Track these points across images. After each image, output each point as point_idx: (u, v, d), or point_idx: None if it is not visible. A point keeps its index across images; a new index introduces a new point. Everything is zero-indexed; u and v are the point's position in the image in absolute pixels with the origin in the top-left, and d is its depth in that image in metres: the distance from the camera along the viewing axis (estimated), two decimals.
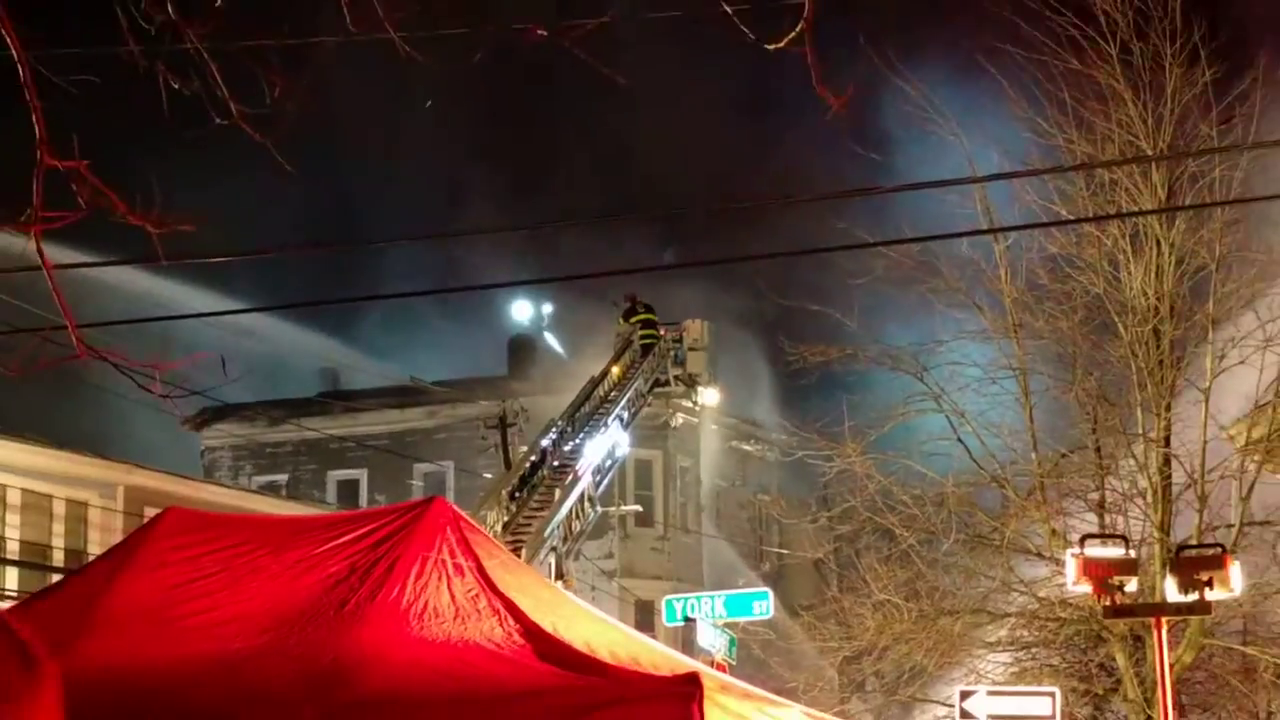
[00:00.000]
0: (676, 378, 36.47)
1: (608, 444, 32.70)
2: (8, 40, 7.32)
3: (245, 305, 34.66)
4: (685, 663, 10.88)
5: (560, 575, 27.76)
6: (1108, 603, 16.79)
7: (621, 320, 35.70)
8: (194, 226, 8.42)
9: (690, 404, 41.25)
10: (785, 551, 36.51)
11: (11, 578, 35.09)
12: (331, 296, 60.72)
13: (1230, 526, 23.75)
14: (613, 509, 42.45)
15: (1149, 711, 22.68)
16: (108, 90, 8.32)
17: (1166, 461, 24.35)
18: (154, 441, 46.51)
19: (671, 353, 35.80)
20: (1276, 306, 23.98)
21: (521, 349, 55.10)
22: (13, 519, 37.18)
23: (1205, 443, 24.33)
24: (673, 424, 47.67)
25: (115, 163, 7.91)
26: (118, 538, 25.05)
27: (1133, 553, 17.66)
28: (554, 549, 29.87)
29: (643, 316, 35.23)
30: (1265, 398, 24.40)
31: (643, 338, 34.99)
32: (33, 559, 36.18)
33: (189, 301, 31.01)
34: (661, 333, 35.48)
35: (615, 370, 34.33)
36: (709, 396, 40.93)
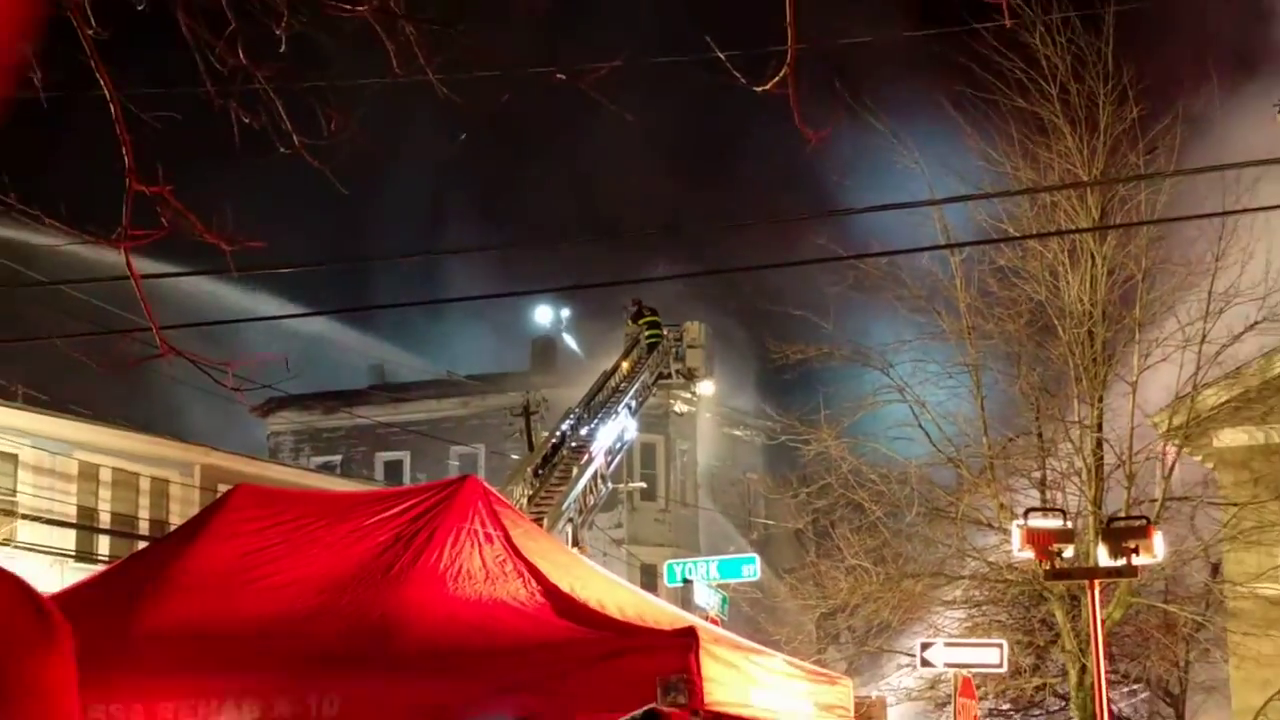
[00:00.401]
0: (677, 371, 36.41)
1: (618, 429, 32.74)
2: (102, 83, 7.32)
3: (305, 310, 34.67)
4: (684, 618, 10.88)
5: (576, 542, 27.79)
6: (1048, 567, 16.76)
7: (630, 322, 35.66)
8: (262, 243, 8.44)
9: (689, 395, 41.31)
10: (770, 522, 36.56)
11: (104, 544, 35.17)
12: (378, 302, 60.89)
13: (1154, 501, 23.78)
14: (621, 485, 42.47)
15: (1084, 661, 22.68)
16: (187, 124, 8.32)
17: (1099, 445, 24.38)
18: (222, 426, 46.58)
19: (673, 350, 35.77)
20: (1194, 312, 24.03)
21: (543, 348, 55.19)
22: (104, 494, 37.27)
23: (1133, 429, 24.40)
24: (674, 412, 47.65)
25: (193, 187, 7.93)
26: (195, 510, 25.08)
27: (1070, 524, 17.66)
28: (571, 520, 29.92)
29: (648, 319, 35.21)
30: (1184, 390, 24.47)
31: (648, 337, 35.00)
32: (122, 528, 36.25)
33: (257, 306, 31.08)
34: (664, 333, 35.47)
35: (624, 365, 34.36)
36: (705, 388, 40.93)
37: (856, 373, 26.92)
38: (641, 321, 35.14)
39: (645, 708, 3.49)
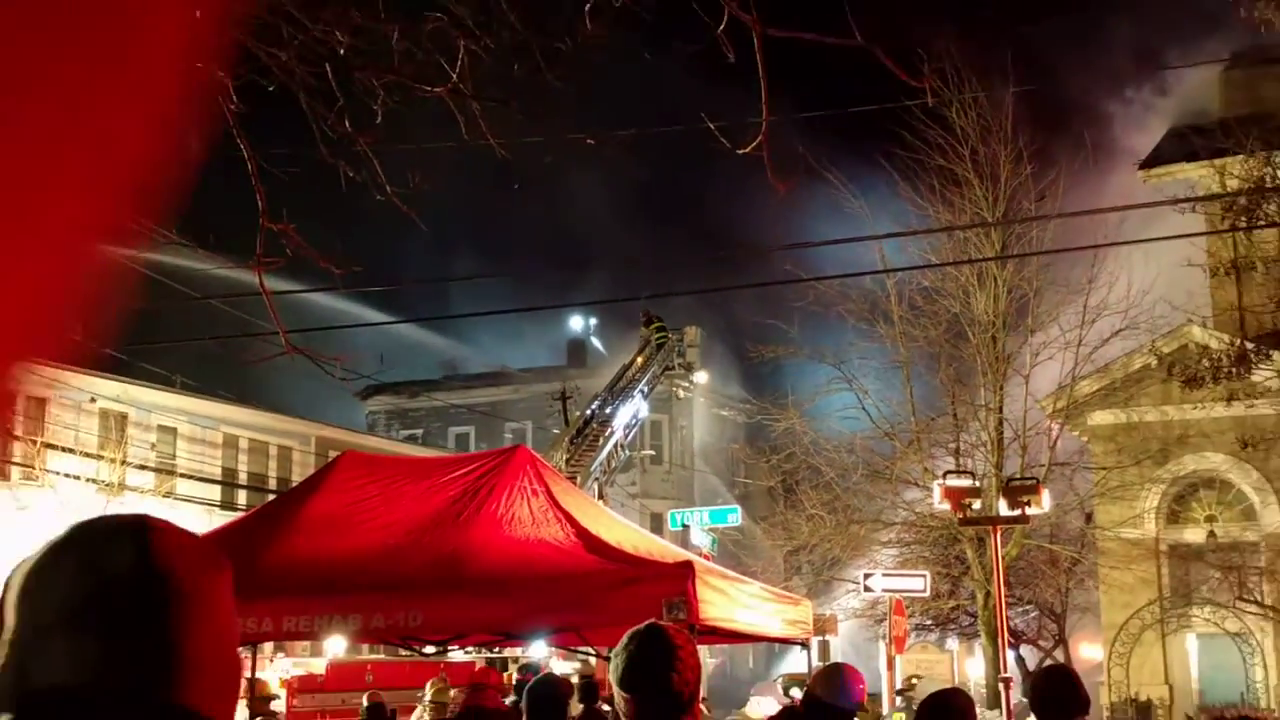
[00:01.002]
0: (679, 365, 36.45)
1: (633, 409, 32.80)
2: (241, 146, 7.36)
3: (395, 318, 34.70)
4: (683, 554, 10.90)
5: (601, 496, 27.83)
6: (961, 516, 16.76)
7: (644, 327, 35.66)
8: (361, 267, 8.49)
9: (687, 383, 41.26)
10: (749, 481, 36.46)
11: (241, 497, 35.30)
12: (451, 312, 60.98)
13: (1042, 466, 23.78)
14: (636, 452, 42.46)
15: (988, 587, 22.65)
16: (306, 177, 8.35)
17: (1000, 423, 24.38)
18: (330, 406, 46.66)
19: (676, 349, 35.77)
20: (1073, 321, 24.13)
21: (575, 347, 55.16)
22: (242, 458, 37.43)
23: (1026, 411, 24.44)
24: (676, 396, 47.61)
25: (310, 224, 7.97)
26: (311, 471, 25.18)
27: (977, 483, 17.65)
28: (597, 479, 30.00)
29: (657, 324, 35.20)
30: (1065, 381, 24.54)
31: (657, 339, 34.99)
32: (255, 485, 36.39)
33: (359, 314, 31.09)
34: (669, 335, 35.46)
35: (639, 360, 34.38)
36: (700, 378, 40.99)
37: (814, 368, 26.94)
38: (651, 327, 35.15)
39: (648, 621, 3.47)
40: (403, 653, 13.38)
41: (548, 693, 6.17)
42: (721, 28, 5.83)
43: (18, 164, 1.32)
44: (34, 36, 1.33)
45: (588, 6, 6.37)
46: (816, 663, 14.87)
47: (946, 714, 5.57)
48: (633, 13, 6.39)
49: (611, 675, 3.47)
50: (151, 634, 1.57)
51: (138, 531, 1.64)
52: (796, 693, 24.65)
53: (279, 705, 20.61)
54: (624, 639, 3.49)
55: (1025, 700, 6.36)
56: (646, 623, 3.55)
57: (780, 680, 32.86)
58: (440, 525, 10.19)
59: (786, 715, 5.48)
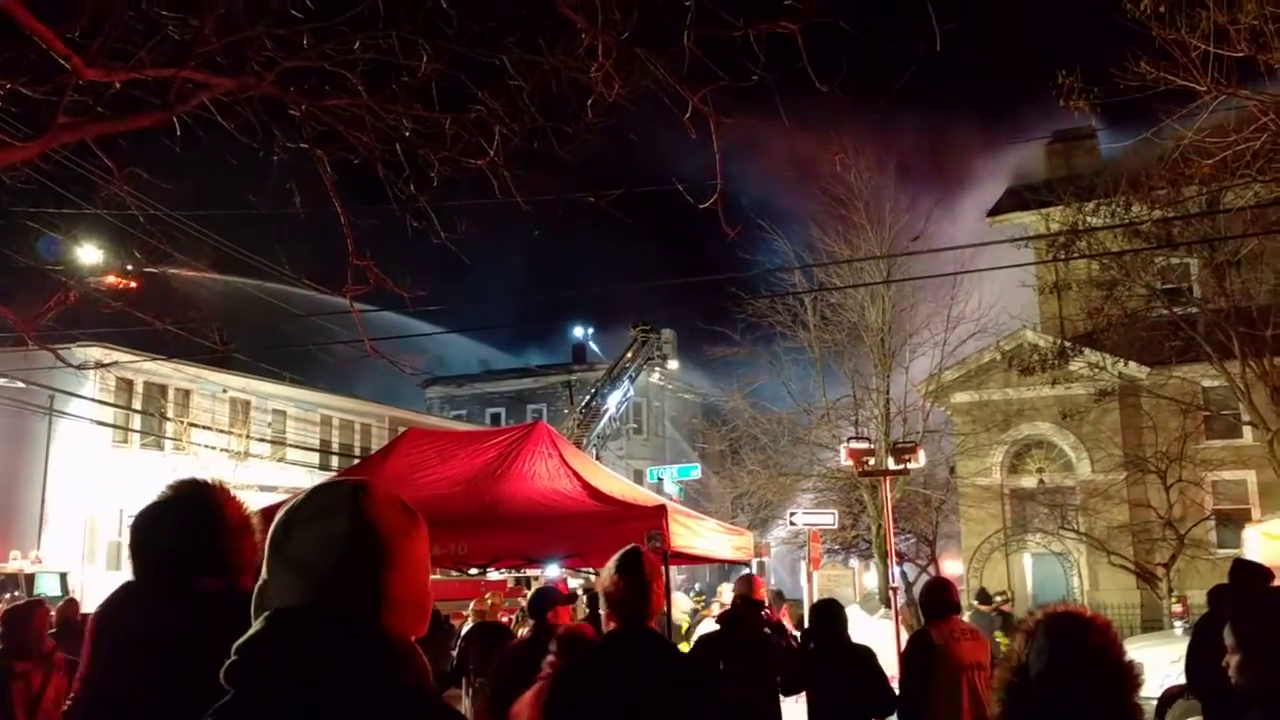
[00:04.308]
0: (658, 356, 36.40)
1: (622, 392, 32.78)
2: (336, 205, 7.35)
3: (448, 329, 34.59)
4: (658, 499, 10.93)
5: (598, 457, 27.79)
6: (860, 469, 16.82)
7: (632, 330, 35.55)
8: (425, 291, 8.48)
9: (664, 369, 41.13)
10: (706, 445, 36.41)
11: (334, 461, 35.21)
12: (487, 323, 60.85)
13: (918, 433, 23.86)
14: (624, 425, 42.40)
15: (879, 521, 22.72)
16: (384, 228, 8.35)
17: (887, 402, 24.44)
18: (400, 393, 46.49)
19: (655, 345, 35.70)
20: (940, 327, 24.17)
21: (578, 349, 55.10)
22: (335, 433, 37.28)
23: (906, 392, 24.53)
24: (654, 382, 47.52)
25: (385, 260, 7.96)
26: (386, 442, 25.11)
27: (872, 446, 17.72)
28: (595, 445, 29.97)
29: (642, 327, 35.06)
30: (935, 371, 24.61)
31: (642, 336, 34.89)
32: (344, 452, 36.27)
33: (422, 326, 31.07)
34: (651, 336, 35.38)
35: (629, 354, 34.32)
36: (672, 366, 40.91)
37: (754, 364, 26.98)
38: (637, 329, 35.09)
39: (629, 545, 4.00)
40: (453, 574, 13.36)
41: (538, 597, 6.61)
42: (687, 115, 5.85)
43: None
44: None
45: (589, 101, 6.38)
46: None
47: (829, 609, 6.45)
48: (622, 105, 6.40)
49: (604, 570, 4.05)
50: (359, 578, 1.65)
51: (355, 499, 1.72)
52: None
53: None
54: (616, 554, 4.12)
55: (918, 602, 6.76)
56: (627, 546, 4.17)
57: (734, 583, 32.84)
58: (481, 479, 10.21)
59: (723, 615, 6.10)
